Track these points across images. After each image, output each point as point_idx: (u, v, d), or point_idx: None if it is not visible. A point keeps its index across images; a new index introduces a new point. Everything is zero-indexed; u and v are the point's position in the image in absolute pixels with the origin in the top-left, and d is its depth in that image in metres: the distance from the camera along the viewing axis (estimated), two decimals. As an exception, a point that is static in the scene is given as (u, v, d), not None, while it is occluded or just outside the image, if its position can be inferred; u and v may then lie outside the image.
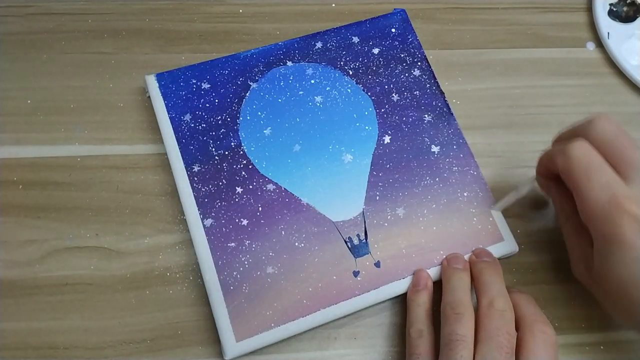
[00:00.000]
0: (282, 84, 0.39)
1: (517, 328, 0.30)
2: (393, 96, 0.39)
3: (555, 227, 0.37)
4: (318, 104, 0.38)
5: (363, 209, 0.35)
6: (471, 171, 0.37)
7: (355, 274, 0.33)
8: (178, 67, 0.38)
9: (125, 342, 0.33)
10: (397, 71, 0.39)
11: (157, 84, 0.38)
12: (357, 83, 0.39)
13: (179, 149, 0.36)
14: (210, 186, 0.35)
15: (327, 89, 0.39)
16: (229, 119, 0.37)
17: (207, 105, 0.37)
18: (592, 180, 0.28)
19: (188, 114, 0.37)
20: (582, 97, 0.41)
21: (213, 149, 0.36)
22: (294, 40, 0.40)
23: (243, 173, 0.36)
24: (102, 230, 0.35)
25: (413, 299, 0.32)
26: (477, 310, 0.30)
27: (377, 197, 0.36)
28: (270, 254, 0.34)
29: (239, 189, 0.35)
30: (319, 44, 0.40)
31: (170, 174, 0.36)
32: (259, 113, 0.38)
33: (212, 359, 0.32)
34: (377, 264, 0.34)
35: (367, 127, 0.38)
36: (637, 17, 0.43)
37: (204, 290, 0.33)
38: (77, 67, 0.40)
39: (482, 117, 0.40)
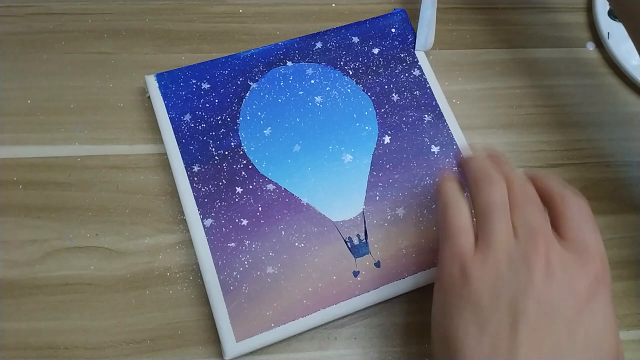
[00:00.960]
0: (282, 84, 0.39)
1: (544, 203, 0.27)
2: (393, 96, 0.39)
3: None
4: (318, 104, 0.38)
5: (363, 209, 0.35)
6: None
7: (355, 274, 0.33)
8: (178, 67, 0.38)
9: (125, 342, 0.33)
10: (397, 71, 0.39)
11: (157, 84, 0.38)
12: (357, 83, 0.39)
13: (179, 149, 0.36)
14: (210, 186, 0.35)
15: (327, 89, 0.39)
16: (229, 119, 0.37)
17: (207, 105, 0.37)
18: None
19: (188, 114, 0.37)
20: (582, 97, 0.41)
21: (213, 149, 0.36)
22: (294, 40, 0.40)
23: (243, 173, 0.36)
24: (102, 230, 0.35)
25: (444, 177, 0.29)
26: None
27: (377, 197, 0.36)
28: (270, 254, 0.34)
29: (239, 189, 0.35)
30: (319, 44, 0.40)
31: (170, 174, 0.36)
32: (259, 113, 0.38)
33: (212, 359, 0.32)
34: (377, 264, 0.34)
35: (367, 127, 0.38)
36: (637, 17, 0.43)
37: (204, 290, 0.33)
38: (77, 67, 0.40)
39: (482, 117, 0.40)
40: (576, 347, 0.23)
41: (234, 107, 0.38)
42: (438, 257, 0.28)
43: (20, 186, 0.36)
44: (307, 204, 0.35)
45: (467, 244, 0.26)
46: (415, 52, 0.36)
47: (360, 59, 0.40)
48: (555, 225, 0.26)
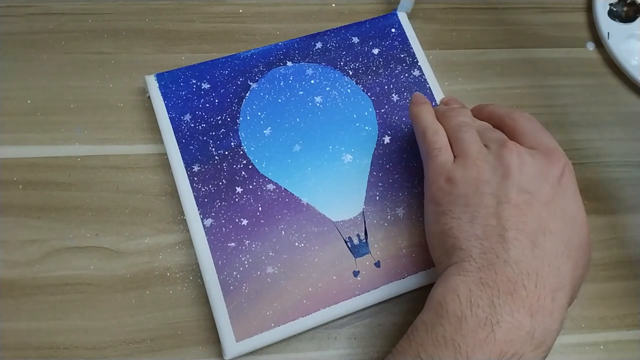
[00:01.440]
0: (282, 84, 0.39)
1: (496, 127, 0.32)
2: (393, 96, 0.39)
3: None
4: (318, 104, 0.38)
5: (363, 209, 0.35)
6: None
7: (355, 273, 0.33)
8: (178, 67, 0.38)
9: (125, 342, 0.32)
10: (397, 71, 0.39)
11: (157, 84, 0.38)
12: (357, 83, 0.39)
13: (179, 149, 0.36)
14: (210, 186, 0.35)
15: (327, 89, 0.39)
16: (229, 119, 0.37)
17: (207, 105, 0.37)
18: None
19: (188, 114, 0.37)
20: (582, 97, 0.41)
21: (213, 149, 0.36)
22: (294, 41, 0.40)
23: (243, 173, 0.36)
24: (102, 230, 0.35)
25: (418, 110, 0.33)
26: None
27: (377, 197, 0.36)
28: (270, 254, 0.34)
29: (239, 189, 0.35)
30: (319, 44, 0.40)
31: (170, 174, 0.36)
32: (259, 113, 0.38)
33: (212, 359, 0.32)
34: (377, 264, 0.34)
35: (367, 128, 0.38)
36: (637, 17, 0.43)
37: (204, 290, 0.33)
38: (77, 67, 0.40)
39: (482, 117, 0.40)
40: (556, 220, 0.27)
41: (234, 107, 0.38)
42: (425, 175, 0.31)
43: (20, 186, 0.36)
44: (307, 204, 0.35)
45: (449, 158, 0.30)
46: (397, 13, 0.40)
47: (360, 59, 0.40)
48: (516, 138, 0.30)
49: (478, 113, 0.33)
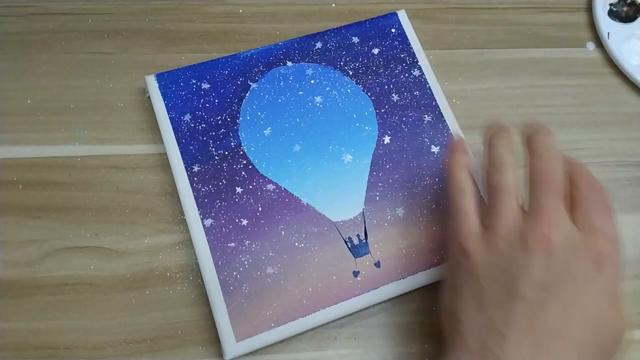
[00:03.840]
0: (282, 84, 0.39)
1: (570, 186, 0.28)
2: (393, 96, 0.39)
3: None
4: (318, 104, 0.38)
5: (363, 209, 0.35)
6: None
7: (355, 274, 0.33)
8: (178, 67, 0.38)
9: (125, 342, 0.33)
10: (396, 71, 0.39)
11: (157, 84, 0.38)
12: (357, 83, 0.39)
13: (179, 149, 0.36)
14: (210, 186, 0.35)
15: (327, 89, 0.39)
16: (228, 119, 0.37)
17: (207, 105, 0.37)
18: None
19: (188, 114, 0.37)
20: (582, 97, 0.41)
21: (213, 149, 0.36)
22: (294, 41, 0.40)
23: (243, 173, 0.36)
24: (102, 230, 0.35)
25: (456, 161, 0.30)
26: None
27: (377, 197, 0.36)
28: (270, 254, 0.34)
29: (238, 189, 0.35)
30: (318, 44, 0.40)
31: (170, 174, 0.36)
32: (259, 113, 0.38)
33: (212, 359, 0.32)
34: (377, 264, 0.34)
35: (367, 128, 0.38)
36: (637, 17, 0.43)
37: (204, 290, 0.33)
38: (77, 67, 0.40)
39: (482, 117, 0.40)
40: (572, 326, 0.24)
41: (234, 107, 0.38)
42: (451, 228, 0.29)
43: (20, 186, 0.36)
44: (307, 204, 0.35)
45: (472, 228, 0.28)
46: (397, 12, 0.40)
47: (360, 59, 0.40)
48: (572, 209, 0.27)
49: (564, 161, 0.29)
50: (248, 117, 0.37)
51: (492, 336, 0.24)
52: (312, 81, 0.39)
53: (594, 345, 0.24)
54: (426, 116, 0.38)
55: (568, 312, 0.24)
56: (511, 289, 0.25)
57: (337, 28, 0.41)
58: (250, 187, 0.35)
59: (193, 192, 0.35)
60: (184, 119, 0.37)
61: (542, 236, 0.25)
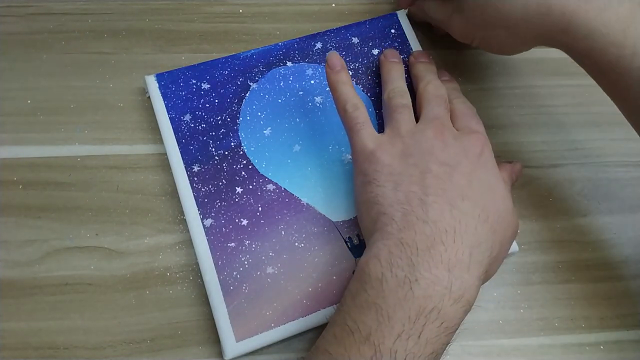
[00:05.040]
0: (282, 84, 0.39)
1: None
2: (393, 96, 0.39)
3: (556, 227, 0.37)
4: (318, 104, 0.38)
5: (363, 209, 0.35)
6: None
7: (355, 274, 0.33)
8: (178, 67, 0.38)
9: (125, 342, 0.33)
10: (397, 71, 0.39)
11: (157, 84, 0.38)
12: (357, 83, 0.39)
13: (179, 149, 0.36)
14: (210, 186, 0.35)
15: (327, 89, 0.38)
16: (228, 119, 0.37)
17: (207, 105, 0.37)
18: None
19: (188, 114, 0.37)
20: (582, 97, 0.41)
21: (213, 149, 0.36)
22: (294, 41, 0.40)
23: (243, 173, 0.36)
24: (102, 230, 0.35)
25: (337, 79, 0.34)
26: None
27: (377, 197, 0.36)
28: (270, 254, 0.34)
29: (238, 189, 0.35)
30: (319, 45, 0.40)
31: (170, 174, 0.36)
32: (259, 113, 0.38)
33: (212, 359, 0.32)
34: (377, 264, 0.34)
35: (367, 127, 0.38)
36: (637, 17, 0.43)
37: (204, 290, 0.33)
38: (77, 67, 0.40)
39: (482, 117, 0.40)
40: (474, 190, 0.29)
41: (234, 107, 0.38)
42: (351, 149, 0.33)
43: (20, 186, 0.36)
44: (307, 204, 0.35)
45: (373, 132, 0.32)
46: (397, 13, 0.41)
47: (360, 60, 0.40)
48: (452, 120, 0.34)
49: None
50: (248, 117, 0.37)
51: (414, 204, 0.28)
52: (312, 81, 0.39)
53: (493, 208, 0.29)
54: (426, 116, 0.38)
55: (468, 179, 0.30)
56: (423, 168, 0.30)
57: (337, 28, 0.41)
58: (250, 187, 0.35)
59: (193, 192, 0.35)
60: (184, 119, 0.37)
61: (438, 133, 0.31)
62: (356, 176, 0.32)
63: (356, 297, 0.27)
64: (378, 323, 0.25)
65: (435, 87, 0.35)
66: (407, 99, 0.35)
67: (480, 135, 0.32)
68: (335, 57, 0.34)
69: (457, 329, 0.27)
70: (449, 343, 0.27)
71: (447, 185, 0.29)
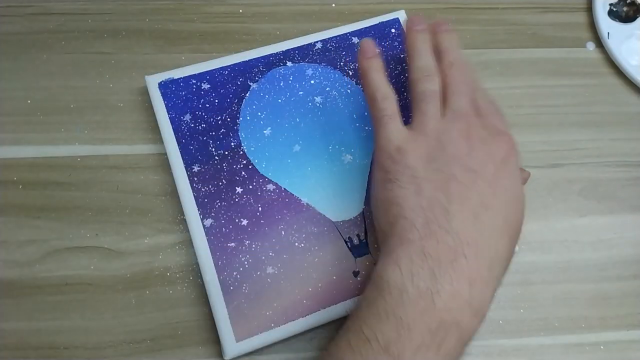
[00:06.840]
0: (282, 84, 0.39)
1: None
2: (393, 96, 0.39)
3: (556, 227, 0.37)
4: (318, 105, 0.38)
5: (363, 209, 0.35)
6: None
7: (355, 274, 0.33)
8: (178, 67, 0.38)
9: (125, 342, 0.33)
10: (396, 72, 0.39)
11: (157, 84, 0.38)
12: (357, 84, 0.39)
13: (179, 149, 0.36)
14: (210, 186, 0.35)
15: (327, 89, 0.39)
16: (228, 119, 0.37)
17: (207, 105, 0.37)
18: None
19: (188, 114, 0.37)
20: (582, 97, 0.41)
21: (213, 149, 0.36)
22: (294, 41, 0.40)
23: (243, 173, 0.36)
24: (102, 230, 0.35)
25: (369, 66, 0.33)
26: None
27: (377, 197, 0.36)
28: (270, 254, 0.34)
29: (238, 189, 0.35)
30: (318, 45, 0.40)
31: (170, 174, 0.36)
32: (259, 113, 0.38)
33: (212, 359, 0.32)
34: (377, 264, 0.34)
35: (367, 128, 0.38)
36: (637, 17, 0.43)
37: (204, 290, 0.33)
38: (77, 67, 0.40)
39: (482, 117, 0.40)
40: (498, 199, 0.29)
41: (234, 107, 0.38)
42: (375, 140, 0.32)
43: (20, 186, 0.36)
44: (307, 204, 0.35)
45: (400, 127, 0.31)
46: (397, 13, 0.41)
47: (360, 59, 0.40)
48: (477, 116, 0.32)
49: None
50: (248, 117, 0.37)
51: (437, 213, 0.27)
52: (312, 81, 0.39)
53: (513, 218, 0.29)
54: (426, 116, 0.38)
55: (492, 188, 0.29)
56: (447, 174, 0.29)
57: (337, 28, 0.41)
58: (250, 187, 0.35)
59: (193, 192, 0.35)
60: (184, 119, 0.37)
61: (464, 133, 0.30)
62: (376, 170, 0.31)
63: (373, 304, 0.26)
64: (398, 334, 0.25)
65: (462, 71, 0.33)
66: (435, 83, 0.32)
67: (507, 138, 0.31)
68: (369, 44, 0.33)
69: (470, 342, 0.26)
70: (462, 354, 0.26)
71: (471, 194, 0.28)
